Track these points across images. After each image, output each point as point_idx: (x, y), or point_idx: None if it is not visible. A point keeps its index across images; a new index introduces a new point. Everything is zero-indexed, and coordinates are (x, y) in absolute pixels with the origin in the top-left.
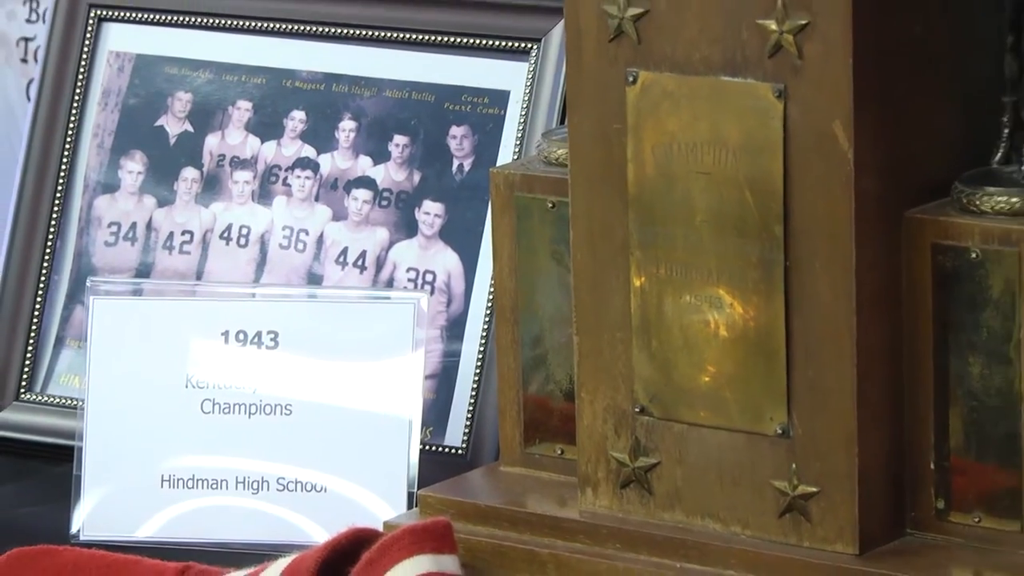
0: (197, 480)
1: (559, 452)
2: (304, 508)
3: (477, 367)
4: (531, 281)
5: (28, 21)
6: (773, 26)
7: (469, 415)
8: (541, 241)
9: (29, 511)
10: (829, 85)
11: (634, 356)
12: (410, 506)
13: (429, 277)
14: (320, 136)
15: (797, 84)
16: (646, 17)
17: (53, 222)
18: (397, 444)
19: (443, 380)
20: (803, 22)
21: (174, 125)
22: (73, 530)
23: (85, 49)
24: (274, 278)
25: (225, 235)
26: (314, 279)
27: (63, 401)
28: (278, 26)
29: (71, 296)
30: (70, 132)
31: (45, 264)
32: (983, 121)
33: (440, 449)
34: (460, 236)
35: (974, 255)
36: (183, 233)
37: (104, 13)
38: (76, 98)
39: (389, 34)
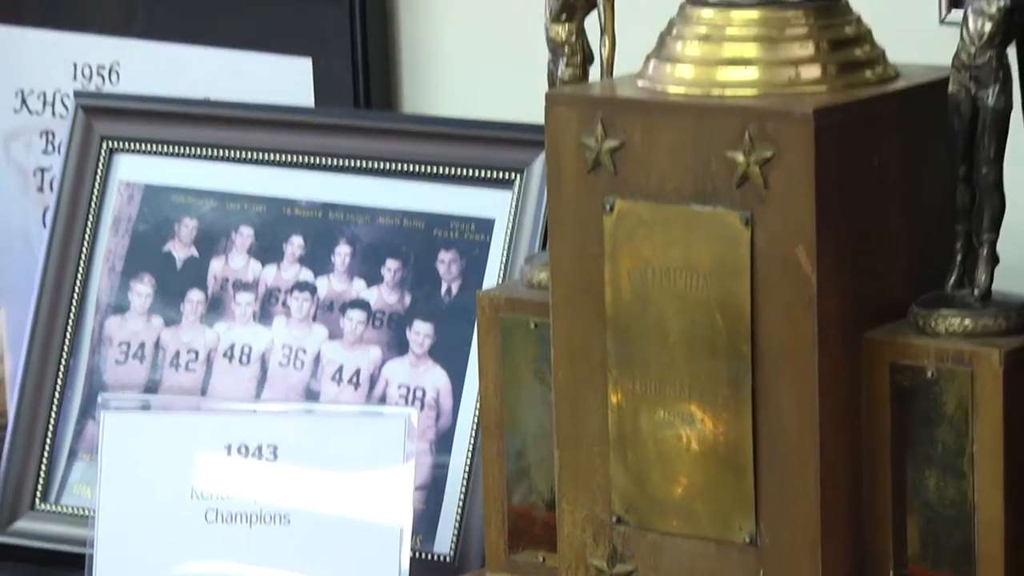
0: None
1: (542, 559)
2: None
3: (464, 478)
4: (515, 397)
5: (44, 153)
6: (740, 158)
7: (457, 524)
8: (524, 360)
9: None
10: (793, 213)
11: (611, 468)
12: None
13: (419, 393)
14: (317, 260)
15: (763, 212)
16: (622, 150)
17: (67, 341)
18: (389, 551)
19: (432, 490)
20: (768, 154)
21: (181, 250)
22: None
23: (97, 179)
24: (274, 394)
25: (228, 354)
26: (311, 395)
27: (76, 510)
28: (278, 157)
29: (84, 411)
30: (83, 256)
31: (59, 381)
32: (938, 246)
33: (429, 556)
34: (448, 355)
35: (930, 374)
36: (189, 352)
37: (115, 145)
38: (89, 225)
39: (382, 165)
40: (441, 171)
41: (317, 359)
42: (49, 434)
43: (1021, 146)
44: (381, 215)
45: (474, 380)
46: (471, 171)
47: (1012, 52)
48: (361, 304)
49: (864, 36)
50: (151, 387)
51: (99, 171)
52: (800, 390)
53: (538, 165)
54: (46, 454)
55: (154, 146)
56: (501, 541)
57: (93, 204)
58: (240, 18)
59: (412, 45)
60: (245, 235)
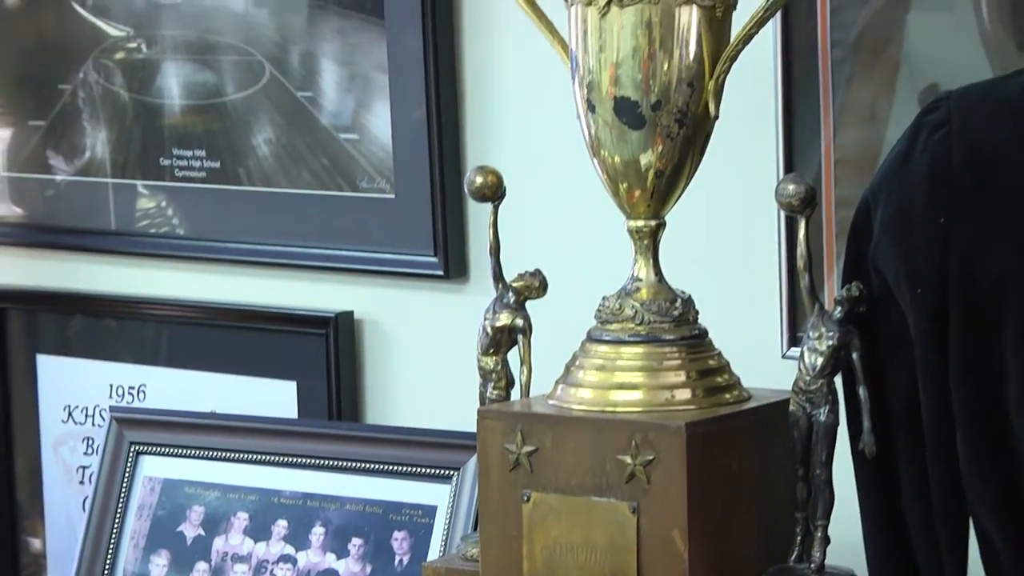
0: None
1: None
2: None
3: None
4: None
5: (85, 454)
6: (629, 460)
7: None
8: None
9: None
10: (670, 504)
11: None
12: None
13: None
14: (298, 538)
15: (647, 503)
16: (536, 453)
17: None
18: None
19: None
20: (650, 458)
21: (191, 530)
22: None
23: (126, 475)
24: None
25: None
26: None
27: None
28: (268, 458)
29: None
30: (113, 535)
31: None
32: (783, 529)
33: None
34: None
35: None
36: None
37: (141, 448)
38: (118, 510)
39: (350, 464)
40: (396, 469)
41: None
42: None
43: (845, 452)
44: (348, 503)
45: None
46: (419, 469)
47: (838, 380)
48: (332, 573)
49: (724, 367)
50: None
51: (127, 468)
52: None
53: (471, 464)
54: None
55: (172, 449)
56: None
57: (122, 494)
58: (239, 350)
59: (374, 367)
60: (241, 519)
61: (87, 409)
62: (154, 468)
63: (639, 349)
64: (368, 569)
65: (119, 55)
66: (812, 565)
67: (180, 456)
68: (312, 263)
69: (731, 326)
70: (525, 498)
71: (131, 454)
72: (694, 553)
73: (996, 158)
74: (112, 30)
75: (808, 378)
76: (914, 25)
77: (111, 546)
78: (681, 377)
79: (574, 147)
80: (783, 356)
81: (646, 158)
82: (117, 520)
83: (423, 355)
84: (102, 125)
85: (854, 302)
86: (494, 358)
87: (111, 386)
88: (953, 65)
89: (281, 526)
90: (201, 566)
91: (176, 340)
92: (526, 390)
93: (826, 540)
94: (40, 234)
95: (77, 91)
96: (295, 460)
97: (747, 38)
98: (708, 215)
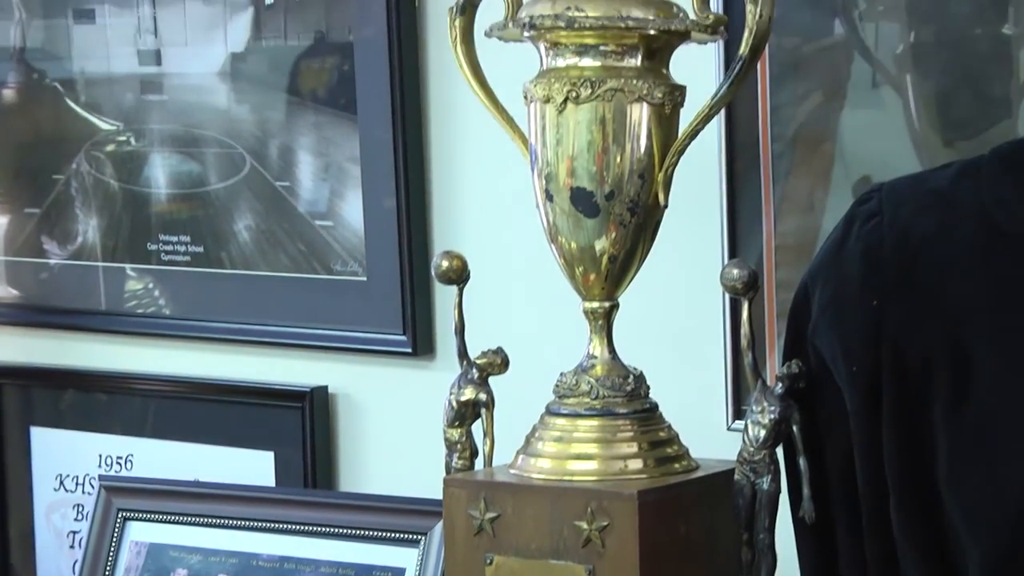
0: None
1: None
2: None
3: None
4: None
5: (75, 520)
6: (585, 526)
7: None
8: None
9: None
10: (624, 566)
11: None
12: None
13: None
14: None
15: (601, 566)
16: (499, 519)
17: None
18: None
19: None
20: (605, 524)
21: None
22: None
23: (114, 539)
24: None
25: None
26: None
27: None
28: (246, 523)
29: None
30: None
31: None
32: None
33: None
34: None
35: None
36: None
37: (128, 515)
38: (106, 573)
39: (324, 529)
40: (367, 534)
41: None
42: None
43: (786, 518)
44: (323, 565)
45: None
46: (389, 534)
47: (780, 451)
48: None
49: (674, 438)
50: None
51: (115, 533)
52: None
53: (438, 529)
54: None
55: (157, 515)
56: None
57: (110, 558)
58: (221, 423)
59: (347, 438)
60: None
61: (78, 478)
62: (140, 533)
63: (594, 422)
64: None
65: (110, 147)
66: None
67: (165, 522)
68: (289, 341)
69: (680, 400)
70: (488, 561)
71: (119, 520)
72: None
73: (923, 247)
74: (103, 124)
75: (752, 449)
76: (847, 122)
77: None
78: (634, 448)
79: (533, 233)
80: (728, 428)
81: (600, 244)
82: None
83: (393, 427)
84: (93, 212)
85: (794, 379)
86: (459, 430)
87: (100, 456)
88: (884, 159)
89: None
90: None
91: (161, 413)
92: (489, 460)
93: None
94: (35, 314)
95: (70, 181)
96: (273, 525)
97: (693, 133)
98: (658, 297)
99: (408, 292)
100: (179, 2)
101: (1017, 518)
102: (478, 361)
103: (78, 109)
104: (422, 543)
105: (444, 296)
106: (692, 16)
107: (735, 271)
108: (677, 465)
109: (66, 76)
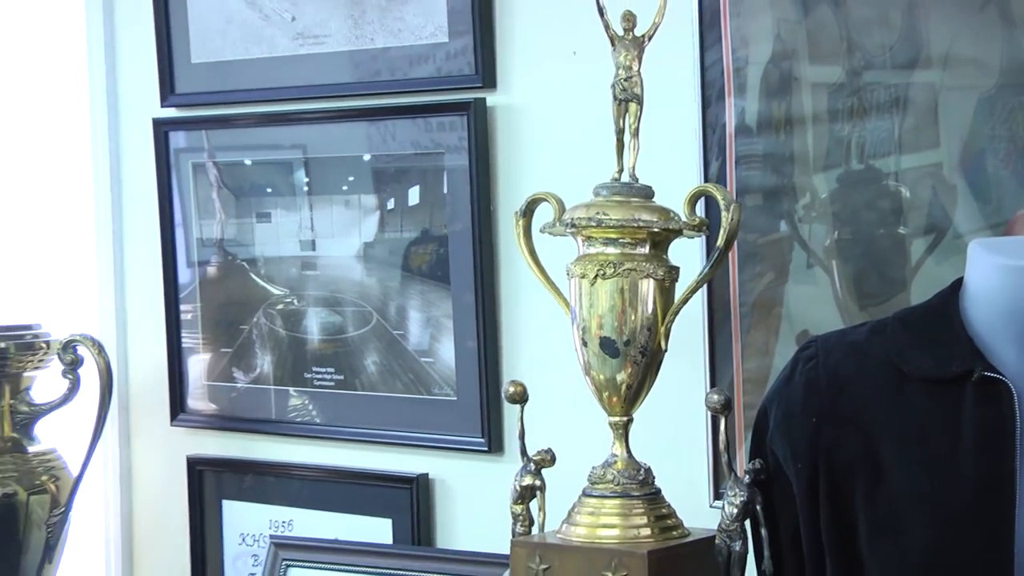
0: None
1: None
2: None
3: None
4: None
5: (252, 567)
6: (610, 575)
7: None
8: None
9: None
10: None
11: None
12: None
13: None
14: None
15: None
16: (549, 569)
17: None
18: None
19: None
20: (624, 573)
21: None
22: None
23: None
24: None
25: None
26: None
27: None
28: (372, 570)
29: None
30: None
31: None
32: None
33: None
34: None
35: None
36: None
37: (290, 562)
38: None
39: (426, 575)
40: None
41: None
42: None
43: (752, 572)
44: None
45: None
46: None
47: (747, 524)
48: None
49: (672, 513)
50: None
51: None
52: None
53: None
54: None
55: (311, 564)
56: None
57: None
58: (355, 498)
59: (441, 510)
60: None
61: (255, 535)
62: None
63: (616, 501)
64: None
65: (279, 306)
66: None
67: (316, 568)
68: (402, 441)
69: (676, 486)
70: None
71: (283, 567)
72: None
73: (847, 383)
74: (275, 290)
75: (727, 521)
76: (791, 292)
77: None
78: (644, 520)
79: (573, 368)
80: (710, 506)
81: (620, 376)
82: None
83: (474, 503)
84: (268, 351)
85: (756, 472)
86: (521, 506)
87: (270, 521)
88: (817, 318)
89: None
90: None
91: (313, 491)
92: (542, 527)
93: None
94: (226, 421)
95: (252, 330)
96: (391, 572)
97: (685, 299)
98: (661, 414)
99: (485, 408)
100: (328, 207)
101: (918, 570)
102: (534, 457)
103: (258, 280)
104: None
105: (511, 411)
106: (684, 219)
107: (715, 396)
108: (675, 532)
109: (250, 257)
